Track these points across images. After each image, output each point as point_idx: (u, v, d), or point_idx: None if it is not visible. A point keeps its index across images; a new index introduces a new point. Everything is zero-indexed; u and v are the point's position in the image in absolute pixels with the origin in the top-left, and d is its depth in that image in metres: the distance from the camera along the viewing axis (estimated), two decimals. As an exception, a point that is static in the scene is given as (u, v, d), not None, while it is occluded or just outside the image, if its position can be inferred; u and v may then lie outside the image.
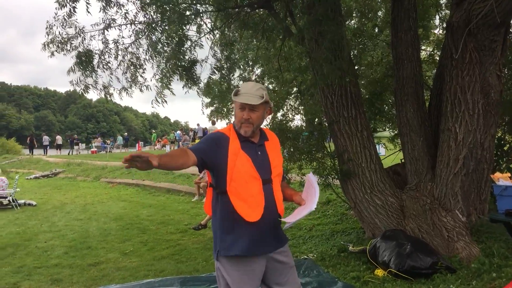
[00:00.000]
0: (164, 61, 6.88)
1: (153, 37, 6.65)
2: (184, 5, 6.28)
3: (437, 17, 8.38)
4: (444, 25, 6.79)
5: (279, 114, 9.41)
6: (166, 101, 6.69)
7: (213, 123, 24.50)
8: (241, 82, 9.12)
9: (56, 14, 6.23)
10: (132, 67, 7.03)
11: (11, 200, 12.28)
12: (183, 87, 7.02)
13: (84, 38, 6.60)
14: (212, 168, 2.58)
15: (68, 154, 35.97)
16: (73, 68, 6.52)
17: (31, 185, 18.48)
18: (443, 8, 8.26)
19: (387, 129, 8.86)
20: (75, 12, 6.21)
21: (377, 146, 8.91)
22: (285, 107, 9.49)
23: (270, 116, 2.84)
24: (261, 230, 2.54)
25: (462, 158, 5.07)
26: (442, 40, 7.52)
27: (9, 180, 13.20)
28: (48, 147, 36.21)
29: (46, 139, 36.83)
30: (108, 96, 7.04)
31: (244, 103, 2.56)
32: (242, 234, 2.52)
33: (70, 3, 6.05)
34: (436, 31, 9.20)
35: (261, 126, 2.76)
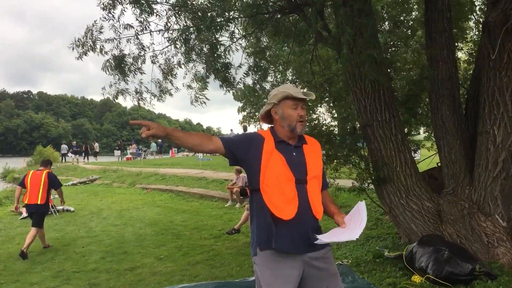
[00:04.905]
0: (199, 65, 7.03)
1: (186, 45, 6.76)
2: (214, 12, 6.35)
3: (473, 17, 8.17)
4: (480, 25, 6.62)
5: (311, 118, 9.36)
6: (205, 102, 6.85)
7: (245, 128, 24.65)
8: (272, 87, 9.14)
9: (95, 22, 6.48)
10: (164, 73, 7.17)
11: (50, 206, 12.62)
12: (224, 94, 7.19)
13: (120, 42, 6.77)
14: (242, 164, 2.62)
15: (119, 160, 37.77)
16: (106, 66, 6.69)
17: (69, 191, 18.92)
18: (478, 7, 8.04)
19: (422, 132, 8.65)
20: (113, 17, 6.40)
21: (419, 150, 8.75)
22: (317, 111, 9.43)
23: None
24: (293, 229, 2.50)
25: (501, 161, 4.91)
26: (476, 41, 7.31)
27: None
28: (66, 155, 37.61)
29: (64, 147, 38.21)
30: (140, 101, 7.16)
31: (297, 101, 2.60)
32: (275, 231, 2.48)
33: (110, 12, 6.23)
34: (471, 33, 8.95)
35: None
